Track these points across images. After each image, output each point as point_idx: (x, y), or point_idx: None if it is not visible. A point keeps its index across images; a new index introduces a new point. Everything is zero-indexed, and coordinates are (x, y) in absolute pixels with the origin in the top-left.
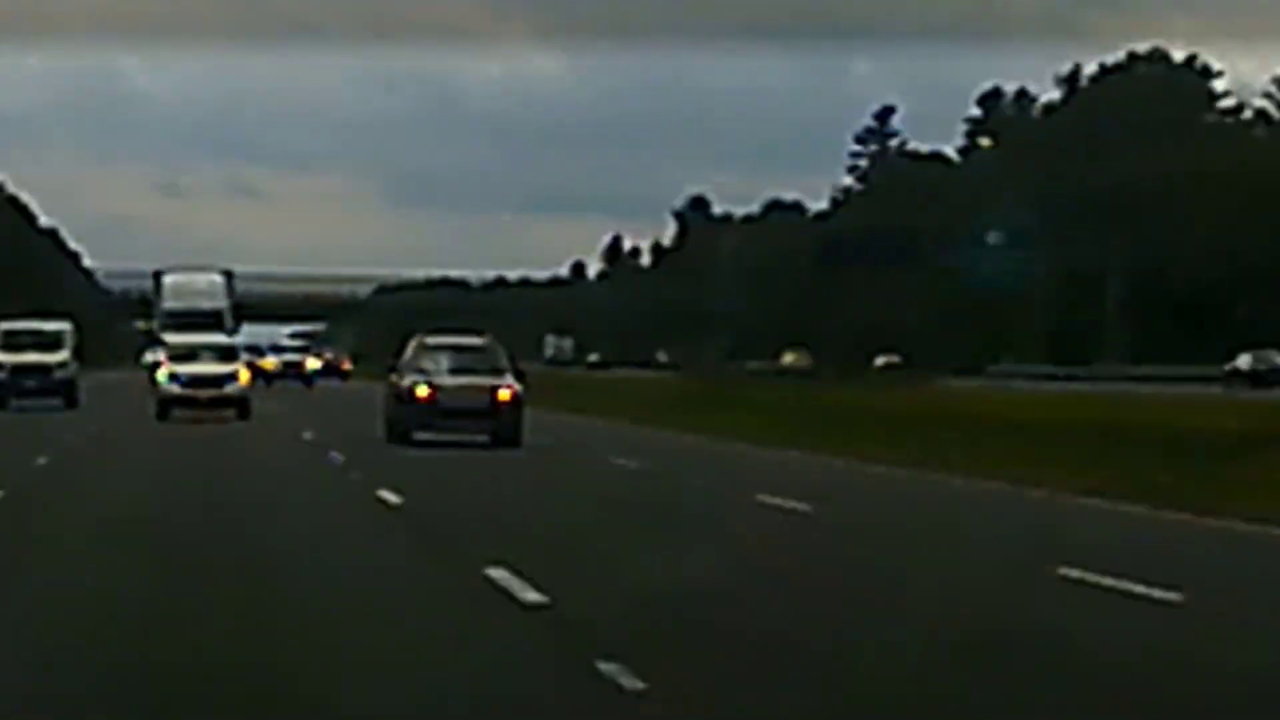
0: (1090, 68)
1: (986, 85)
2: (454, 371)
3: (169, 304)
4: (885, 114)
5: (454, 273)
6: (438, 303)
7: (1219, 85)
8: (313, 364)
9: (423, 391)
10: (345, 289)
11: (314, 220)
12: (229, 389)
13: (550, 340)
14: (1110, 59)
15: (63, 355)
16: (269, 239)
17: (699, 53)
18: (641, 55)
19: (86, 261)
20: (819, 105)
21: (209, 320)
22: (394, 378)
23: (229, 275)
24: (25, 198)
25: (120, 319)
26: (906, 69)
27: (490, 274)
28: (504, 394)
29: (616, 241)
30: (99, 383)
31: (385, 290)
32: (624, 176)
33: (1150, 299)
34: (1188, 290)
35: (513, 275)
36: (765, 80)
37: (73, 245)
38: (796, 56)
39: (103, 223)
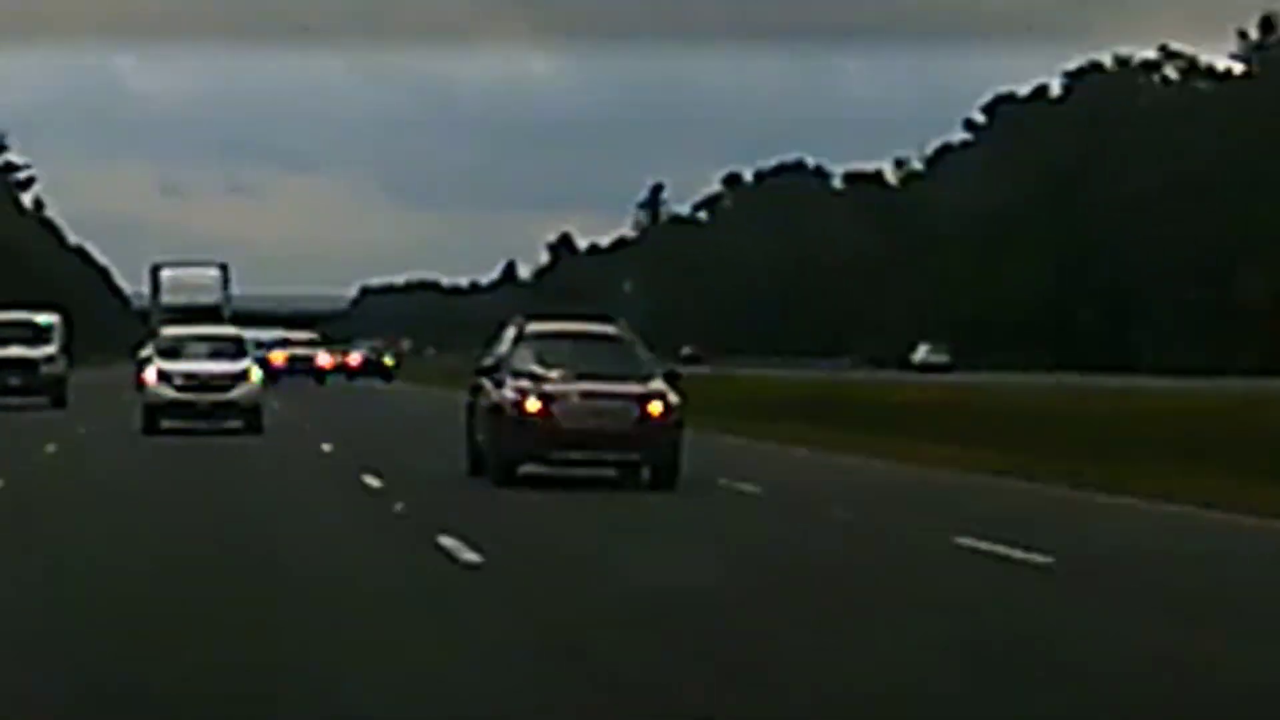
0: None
1: (732, 168)
2: (579, 376)
3: (167, 299)
4: (657, 189)
5: (432, 275)
6: (420, 305)
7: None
8: (324, 359)
9: (533, 406)
10: (331, 304)
11: (312, 219)
12: (236, 393)
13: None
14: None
15: (49, 350)
16: (268, 238)
17: (698, 53)
18: (639, 55)
19: (119, 281)
20: (816, 106)
21: (208, 315)
22: (486, 384)
23: (224, 268)
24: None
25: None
26: (905, 70)
27: (481, 275)
28: (655, 408)
29: (511, 265)
30: (108, 379)
31: (370, 293)
32: (627, 176)
33: (730, 322)
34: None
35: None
36: (764, 80)
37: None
38: (795, 57)
39: (102, 222)
